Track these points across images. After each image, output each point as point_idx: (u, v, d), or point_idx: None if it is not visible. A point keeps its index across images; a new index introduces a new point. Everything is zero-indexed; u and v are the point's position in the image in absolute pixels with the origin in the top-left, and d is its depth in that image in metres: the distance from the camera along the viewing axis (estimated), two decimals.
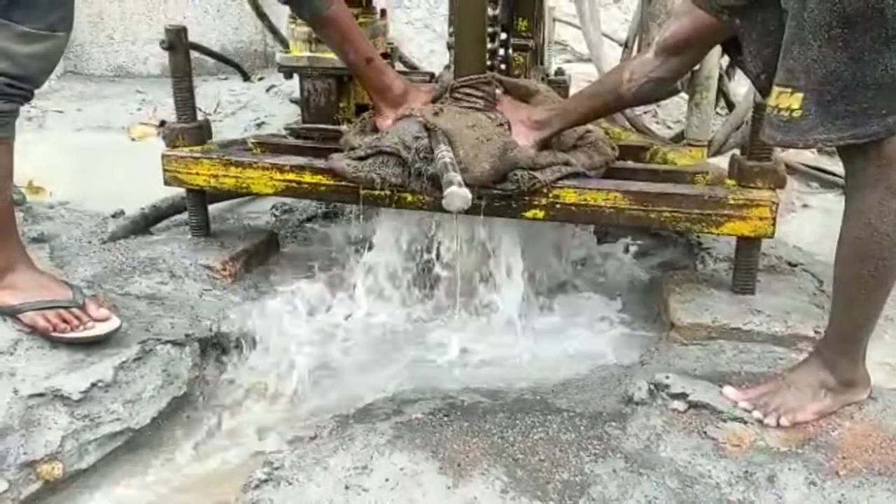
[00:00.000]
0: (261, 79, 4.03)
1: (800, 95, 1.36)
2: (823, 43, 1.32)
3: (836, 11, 1.29)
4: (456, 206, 1.51)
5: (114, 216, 2.47)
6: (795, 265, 2.16)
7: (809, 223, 2.70)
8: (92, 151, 3.36)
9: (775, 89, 1.41)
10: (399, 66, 2.92)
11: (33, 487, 1.52)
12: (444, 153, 1.73)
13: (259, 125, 3.51)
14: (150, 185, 2.33)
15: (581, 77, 3.94)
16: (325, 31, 2.01)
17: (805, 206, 2.88)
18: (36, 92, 1.66)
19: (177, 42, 2.10)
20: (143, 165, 2.50)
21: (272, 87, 3.87)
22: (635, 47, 2.64)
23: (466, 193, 1.51)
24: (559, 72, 2.74)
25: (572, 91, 2.78)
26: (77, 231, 2.32)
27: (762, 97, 1.67)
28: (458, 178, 1.56)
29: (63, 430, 1.58)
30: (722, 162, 2.18)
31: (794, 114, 1.38)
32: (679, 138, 2.63)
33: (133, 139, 3.60)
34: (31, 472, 1.53)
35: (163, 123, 3.64)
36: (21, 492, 1.50)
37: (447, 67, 2.34)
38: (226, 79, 4.03)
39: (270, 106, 3.76)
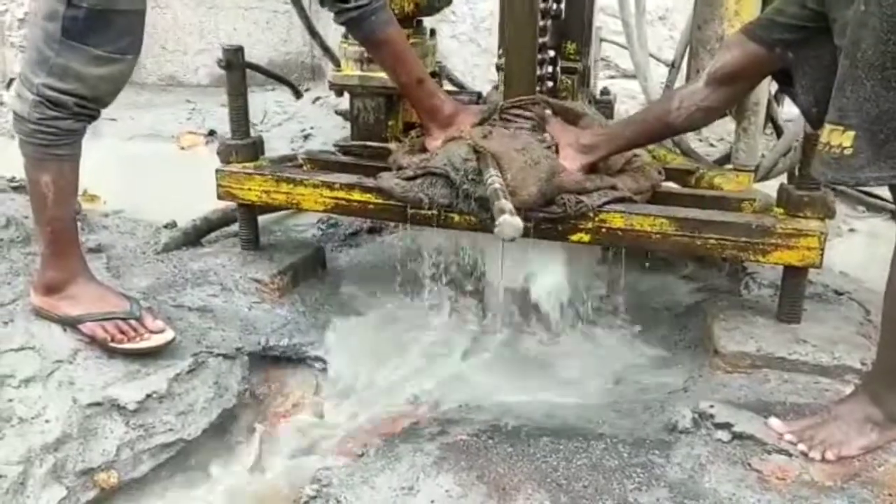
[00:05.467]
0: (307, 90, 4.09)
1: (852, 134, 1.37)
2: (877, 83, 1.33)
3: (889, 53, 1.30)
4: (508, 235, 1.53)
5: (166, 227, 2.54)
6: (842, 294, 2.14)
7: (856, 248, 2.68)
8: (143, 160, 3.44)
9: (827, 126, 1.42)
10: (446, 85, 2.95)
11: (90, 495, 1.58)
12: (493, 178, 1.76)
13: (306, 137, 3.57)
14: (199, 195, 2.39)
15: (625, 94, 3.95)
16: (379, 53, 2.05)
17: (852, 230, 2.85)
18: None
19: (234, 61, 2.16)
20: (192, 175, 2.57)
21: (318, 98, 3.93)
22: (682, 68, 2.64)
23: (518, 222, 1.54)
24: (604, 91, 2.76)
25: (616, 108, 2.80)
26: (131, 241, 2.38)
27: (813, 129, 1.68)
28: (509, 206, 1.58)
29: (119, 439, 1.64)
30: (769, 187, 2.18)
31: (846, 151, 1.38)
32: (724, 160, 2.62)
33: (182, 148, 3.68)
34: (87, 480, 1.58)
35: (211, 133, 3.72)
36: (79, 499, 1.56)
37: (495, 88, 2.37)
38: (273, 90, 4.10)
39: (316, 117, 3.82)
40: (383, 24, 1.96)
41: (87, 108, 1.66)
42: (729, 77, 1.76)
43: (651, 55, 3.12)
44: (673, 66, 2.74)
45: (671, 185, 2.20)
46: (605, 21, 3.70)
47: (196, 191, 2.41)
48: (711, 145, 3.67)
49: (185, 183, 2.72)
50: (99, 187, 2.93)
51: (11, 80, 4.28)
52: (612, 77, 4.25)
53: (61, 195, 1.70)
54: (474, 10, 4.16)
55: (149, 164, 3.40)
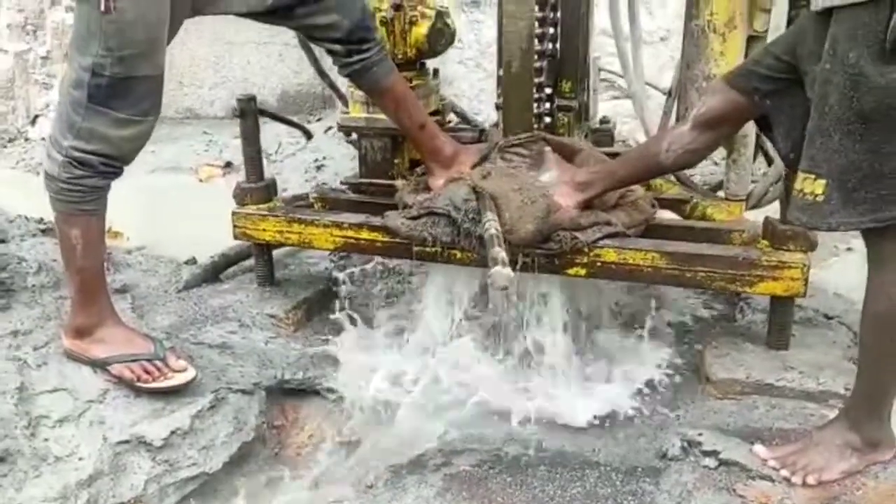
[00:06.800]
0: (319, 120, 4.22)
1: (822, 182, 1.47)
2: (843, 135, 1.43)
3: (853, 108, 1.40)
4: (499, 285, 1.63)
5: (187, 263, 2.67)
6: (832, 318, 2.22)
7: (851, 267, 2.74)
8: (163, 193, 3.58)
9: (800, 174, 1.52)
10: (452, 118, 3.06)
11: None
12: (490, 223, 1.86)
13: (318, 167, 3.69)
14: (217, 227, 2.50)
15: (628, 115, 4.03)
16: (382, 100, 2.17)
17: (849, 248, 2.92)
18: None
19: (248, 109, 2.28)
20: (210, 207, 2.69)
21: (330, 128, 4.05)
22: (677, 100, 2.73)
23: (509, 273, 1.64)
24: (604, 120, 2.85)
25: (618, 129, 2.88)
26: (154, 280, 2.51)
27: (790, 171, 1.78)
28: (503, 255, 1.68)
29: (146, 474, 1.76)
30: (761, 215, 2.26)
31: (818, 198, 1.48)
32: (719, 186, 2.71)
33: (200, 180, 3.82)
34: None
35: (228, 165, 3.86)
36: None
37: (496, 125, 2.48)
38: None
39: (328, 147, 3.95)
40: (385, 75, 2.08)
41: (112, 166, 1.79)
42: (714, 121, 1.84)
43: (650, 85, 3.22)
44: (670, 95, 2.83)
45: (667, 214, 2.30)
46: (604, 43, 3.79)
47: (214, 223, 2.52)
48: (715, 163, 3.75)
49: (204, 215, 2.84)
50: (123, 222, 3.06)
51: (36, 117, 4.45)
52: (615, 98, 4.34)
53: (89, 247, 1.83)
54: (479, 36, 4.28)
55: (169, 197, 3.54)
